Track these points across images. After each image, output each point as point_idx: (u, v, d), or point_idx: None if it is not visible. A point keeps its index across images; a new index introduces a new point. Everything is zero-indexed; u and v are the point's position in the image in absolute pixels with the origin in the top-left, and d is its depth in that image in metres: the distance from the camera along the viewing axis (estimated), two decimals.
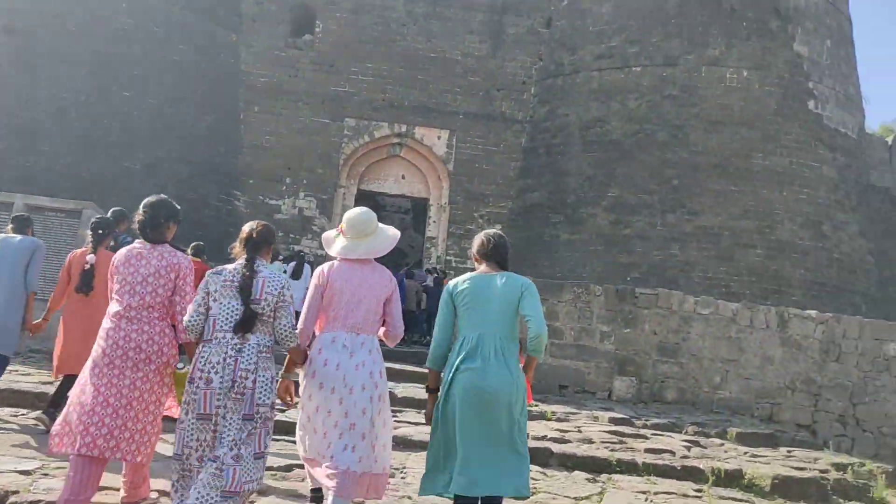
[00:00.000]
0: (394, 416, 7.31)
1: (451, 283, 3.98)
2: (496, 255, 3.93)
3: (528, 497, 3.76)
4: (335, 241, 4.21)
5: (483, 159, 18.62)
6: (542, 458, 6.14)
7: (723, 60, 17.31)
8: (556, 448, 6.41)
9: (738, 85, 17.22)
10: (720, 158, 16.83)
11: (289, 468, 5.00)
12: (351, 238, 4.15)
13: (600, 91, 17.85)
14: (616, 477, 5.86)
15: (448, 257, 18.44)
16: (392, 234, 4.29)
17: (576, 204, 17.33)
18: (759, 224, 16.59)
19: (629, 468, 6.09)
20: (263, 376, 3.63)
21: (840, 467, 6.88)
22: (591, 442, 7.15)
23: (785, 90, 17.41)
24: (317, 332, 4.09)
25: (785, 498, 5.78)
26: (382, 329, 4.19)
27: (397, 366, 10.30)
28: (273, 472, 4.80)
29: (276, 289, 3.76)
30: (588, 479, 5.67)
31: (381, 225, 4.28)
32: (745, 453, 7.46)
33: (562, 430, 7.60)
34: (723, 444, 7.92)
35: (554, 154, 18.09)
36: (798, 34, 17.81)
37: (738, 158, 16.87)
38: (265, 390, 3.64)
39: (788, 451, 7.87)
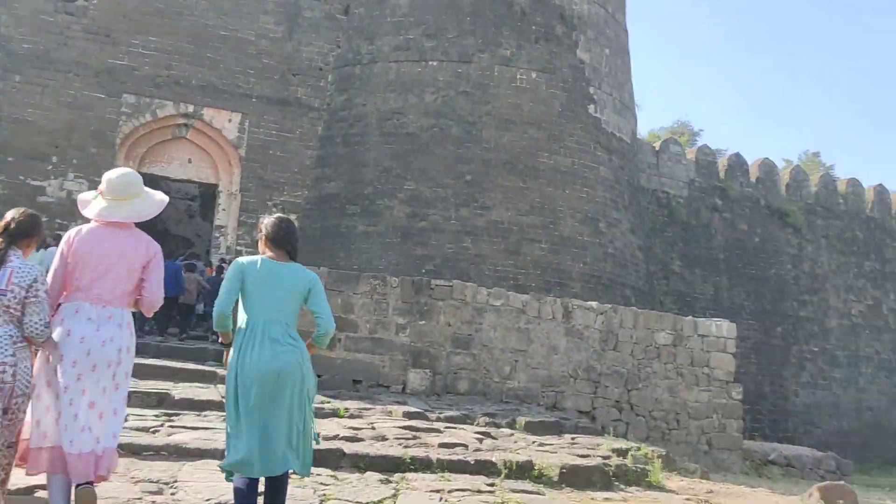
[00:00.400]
0: (170, 421, 6.64)
1: (243, 259, 3.82)
2: (287, 244, 3.83)
3: (308, 476, 3.99)
4: (92, 203, 3.77)
5: (277, 146, 17.87)
6: (334, 459, 5.81)
7: (514, 61, 17.92)
8: (349, 448, 6.11)
9: (528, 86, 17.92)
10: (510, 156, 17.42)
11: (30, 490, 4.26)
12: (111, 199, 3.73)
13: (398, 83, 17.80)
14: (410, 476, 5.67)
15: (238, 247, 17.49)
16: (160, 198, 3.93)
17: (373, 195, 17.15)
18: (544, 220, 17.38)
19: (423, 465, 5.94)
20: (22, 367, 3.42)
21: (620, 452, 7.21)
22: (384, 439, 6.93)
23: (569, 94, 18.38)
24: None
25: (572, 486, 5.91)
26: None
27: (176, 364, 9.51)
28: (10, 496, 4.05)
29: (25, 280, 3.41)
30: (381, 481, 5.42)
31: (147, 189, 3.90)
32: (534, 442, 7.63)
33: (354, 428, 7.32)
34: (513, 434, 8.06)
35: (351, 144, 17.78)
36: (581, 41, 18.87)
37: (527, 157, 17.56)
38: (24, 381, 3.45)
39: (573, 438, 8.17)
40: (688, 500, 6.09)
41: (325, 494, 4.84)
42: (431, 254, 16.49)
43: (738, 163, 24.25)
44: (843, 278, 24.62)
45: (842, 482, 5.96)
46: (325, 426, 7.26)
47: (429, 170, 17.12)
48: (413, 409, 8.66)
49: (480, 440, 7.40)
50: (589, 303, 11.12)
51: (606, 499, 5.73)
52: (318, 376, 10.25)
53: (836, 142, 71.69)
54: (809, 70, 76.86)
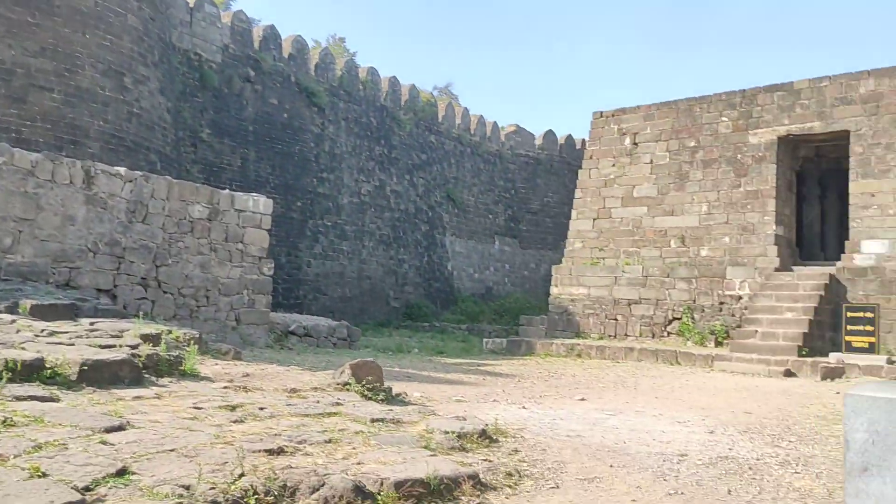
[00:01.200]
0: None
1: None
2: None
3: None
4: None
5: None
6: None
7: None
8: None
9: None
10: None
11: None
12: None
13: None
14: None
15: None
16: None
17: None
18: (57, 65, 14.89)
19: None
20: None
21: (150, 339, 6.49)
22: None
23: None
24: None
25: (95, 385, 5.08)
26: None
27: None
28: None
29: None
30: None
31: None
32: (44, 331, 6.44)
33: None
34: (14, 322, 6.71)
35: None
36: None
37: None
38: None
39: (92, 324, 7.14)
40: (226, 387, 5.76)
41: None
42: None
43: (272, 35, 24.00)
44: (357, 160, 26.69)
45: (370, 359, 6.30)
46: None
47: None
48: None
49: None
50: (116, 168, 9.78)
51: (137, 396, 5.06)
52: None
53: (359, 30, 76.49)
54: None
